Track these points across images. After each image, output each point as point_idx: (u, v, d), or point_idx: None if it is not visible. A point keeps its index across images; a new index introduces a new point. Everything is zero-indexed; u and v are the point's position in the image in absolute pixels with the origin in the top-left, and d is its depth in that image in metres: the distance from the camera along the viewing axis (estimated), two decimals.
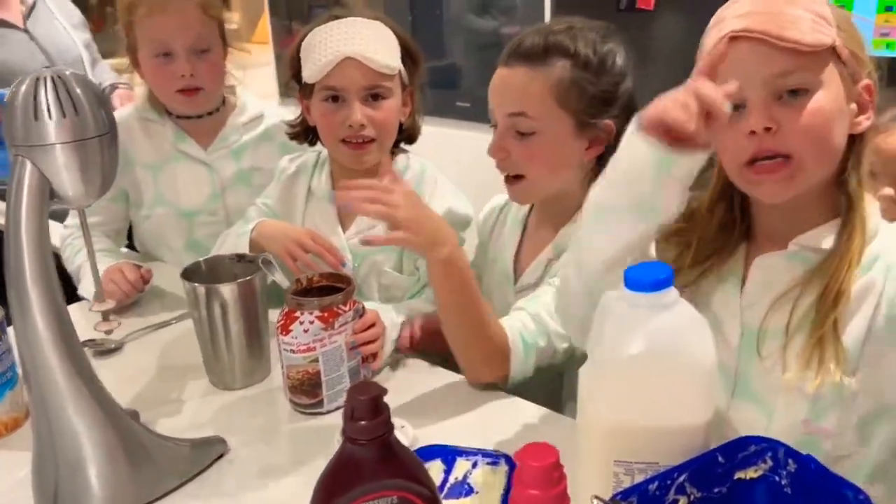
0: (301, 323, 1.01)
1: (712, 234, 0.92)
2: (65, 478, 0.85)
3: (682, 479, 0.67)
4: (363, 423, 0.63)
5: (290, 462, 0.97)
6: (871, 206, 0.85)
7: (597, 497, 0.61)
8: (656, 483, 0.66)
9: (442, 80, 2.64)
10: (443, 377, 1.13)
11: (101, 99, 0.82)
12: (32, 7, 1.97)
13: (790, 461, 0.69)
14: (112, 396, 0.89)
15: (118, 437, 0.87)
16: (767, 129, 0.79)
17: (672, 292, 0.70)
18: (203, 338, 1.11)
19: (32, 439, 0.87)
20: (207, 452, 0.95)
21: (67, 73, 0.80)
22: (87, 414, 0.85)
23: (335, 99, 1.21)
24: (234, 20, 5.23)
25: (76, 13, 2.13)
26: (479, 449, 0.93)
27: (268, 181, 1.43)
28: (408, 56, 1.26)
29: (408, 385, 1.11)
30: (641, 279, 0.69)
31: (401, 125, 1.29)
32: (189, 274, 1.10)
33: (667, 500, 0.67)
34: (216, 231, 1.46)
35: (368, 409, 0.63)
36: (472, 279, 1.05)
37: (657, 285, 0.69)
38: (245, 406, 1.09)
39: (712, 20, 0.85)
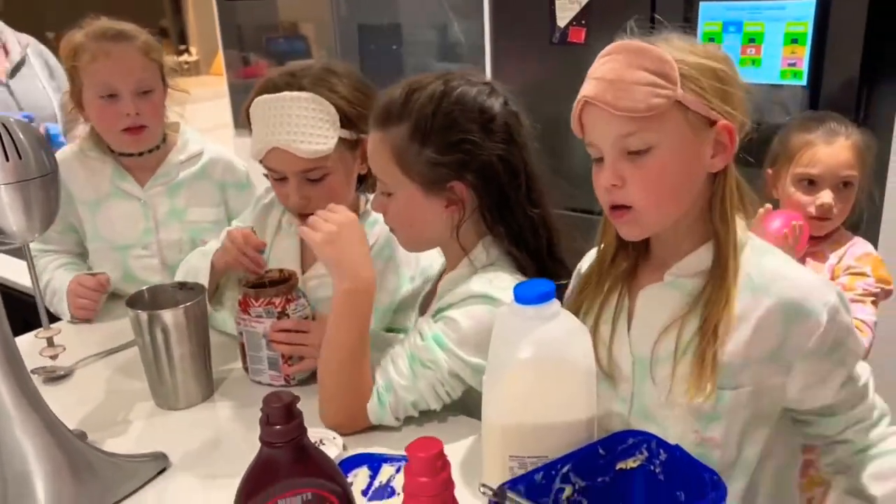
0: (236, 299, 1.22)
1: (608, 265, 1.00)
2: (13, 494, 0.91)
3: (565, 469, 0.76)
4: (277, 427, 0.71)
5: (229, 474, 1.01)
6: (738, 223, 0.92)
7: (483, 485, 0.70)
8: (542, 473, 0.75)
9: None
10: None
11: (43, 143, 0.89)
12: (19, 65, 2.17)
13: (661, 451, 0.79)
14: (58, 417, 0.95)
15: (64, 454, 0.94)
16: (614, 185, 0.89)
17: (554, 304, 0.79)
18: (147, 362, 1.17)
19: None
20: (150, 467, 1.02)
21: (11, 119, 0.87)
22: (34, 434, 0.92)
23: (279, 178, 1.26)
24: (192, 54, 5.32)
25: (62, 75, 2.28)
26: (403, 455, 1.01)
27: (202, 217, 1.52)
28: (349, 122, 1.24)
29: None
30: (527, 294, 0.79)
31: (361, 176, 1.33)
32: (133, 302, 1.17)
33: (553, 488, 0.76)
34: (150, 264, 1.55)
35: (282, 414, 0.71)
36: (365, 328, 1.08)
37: (541, 298, 0.78)
38: (188, 425, 1.16)
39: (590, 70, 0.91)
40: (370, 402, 1.09)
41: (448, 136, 1.05)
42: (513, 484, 0.72)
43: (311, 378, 1.22)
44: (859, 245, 1.48)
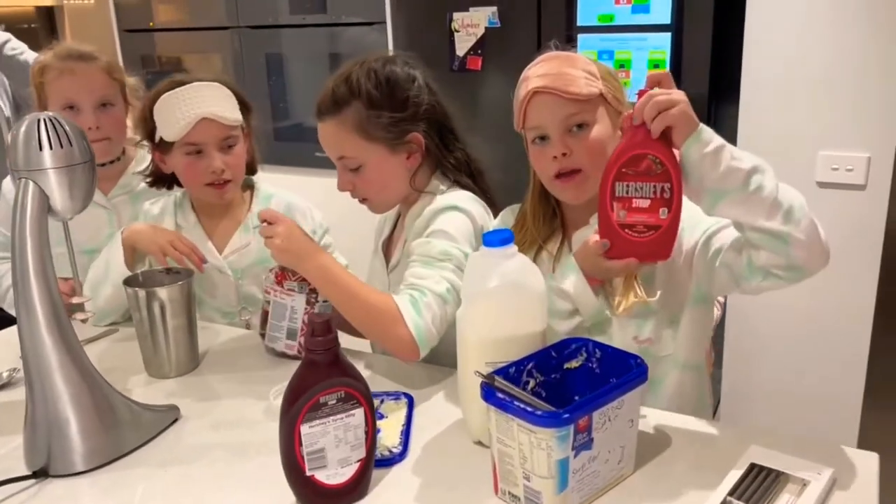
0: (271, 272, 1.37)
1: (539, 224, 1.29)
2: (55, 435, 1.05)
3: (530, 366, 1.01)
4: (319, 338, 0.92)
5: (233, 421, 1.21)
6: None
7: (477, 371, 0.94)
8: (513, 368, 0.99)
9: (301, 135, 2.97)
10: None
11: (84, 135, 1.07)
12: None
13: (597, 350, 1.05)
14: (93, 367, 1.10)
15: (93, 400, 1.08)
16: (564, 154, 1.18)
17: (513, 247, 1.04)
18: (143, 335, 1.33)
19: (26, 409, 1.07)
20: (166, 416, 1.18)
21: (59, 115, 1.04)
22: (71, 382, 1.06)
23: (197, 152, 1.51)
24: None
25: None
26: (384, 392, 1.24)
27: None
28: (244, 106, 1.57)
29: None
30: (493, 239, 1.04)
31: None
32: (128, 283, 1.33)
33: (521, 380, 1.01)
34: None
35: (323, 329, 0.92)
36: (342, 271, 1.24)
37: (503, 242, 1.04)
38: (182, 388, 1.32)
39: (521, 78, 1.21)
40: (401, 303, 1.19)
41: (397, 97, 1.32)
42: (496, 373, 0.97)
43: None
44: None
